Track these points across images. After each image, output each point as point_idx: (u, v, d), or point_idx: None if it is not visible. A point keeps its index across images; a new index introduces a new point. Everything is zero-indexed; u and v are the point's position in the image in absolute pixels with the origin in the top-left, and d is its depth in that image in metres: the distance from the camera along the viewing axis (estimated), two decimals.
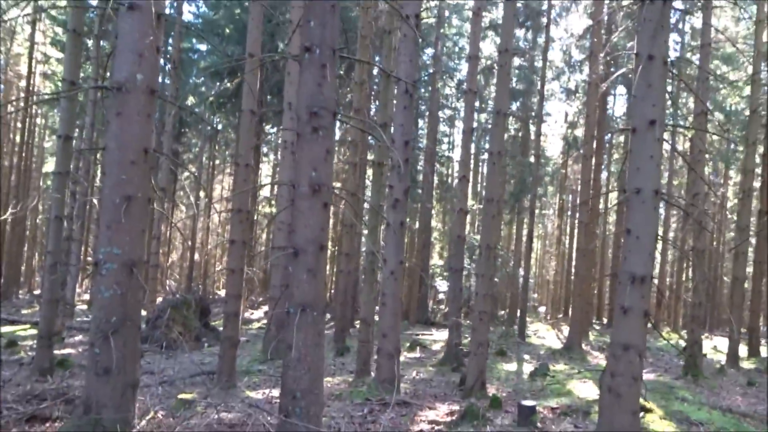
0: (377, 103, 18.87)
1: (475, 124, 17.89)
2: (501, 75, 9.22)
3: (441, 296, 28.68)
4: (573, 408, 8.44)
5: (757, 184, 17.26)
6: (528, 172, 20.93)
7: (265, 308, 24.44)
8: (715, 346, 19.41)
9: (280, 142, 16.87)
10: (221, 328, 10.01)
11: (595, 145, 17.59)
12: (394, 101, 9.87)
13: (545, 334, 22.42)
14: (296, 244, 4.74)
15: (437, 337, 19.26)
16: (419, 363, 13.31)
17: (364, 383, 9.93)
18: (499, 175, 9.87)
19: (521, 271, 20.85)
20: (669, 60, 6.13)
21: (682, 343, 17.18)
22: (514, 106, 23.94)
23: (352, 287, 17.35)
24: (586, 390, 9.85)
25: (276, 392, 8.79)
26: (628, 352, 5.86)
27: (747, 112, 17.37)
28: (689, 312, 13.98)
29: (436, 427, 7.46)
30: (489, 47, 24.87)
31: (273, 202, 26.69)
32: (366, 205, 16.35)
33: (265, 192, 31.37)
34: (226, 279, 8.95)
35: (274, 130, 25.48)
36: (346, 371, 11.72)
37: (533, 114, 22.96)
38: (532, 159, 21.70)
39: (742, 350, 16.16)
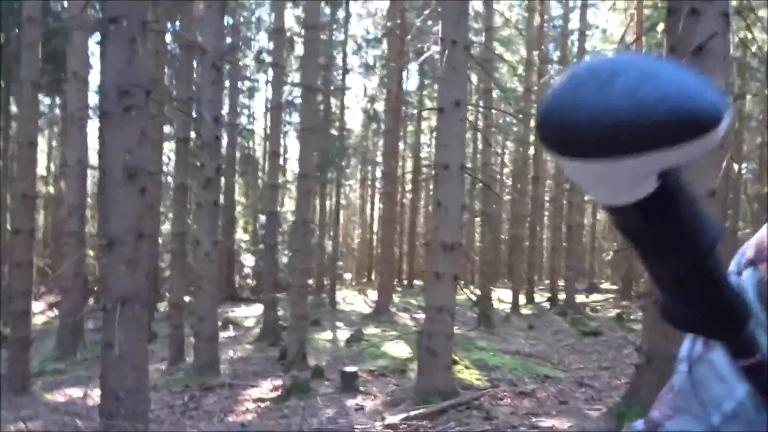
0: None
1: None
2: (309, 51, 9.25)
3: (247, 271, 28.32)
4: (390, 369, 9.03)
5: (531, 152, 19.74)
6: (333, 146, 21.38)
7: (50, 299, 21.94)
8: (499, 297, 21.98)
9: (60, 114, 15.02)
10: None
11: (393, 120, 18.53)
12: (195, 75, 9.40)
13: (353, 300, 23.38)
14: (112, 234, 4.36)
15: (248, 313, 19.03)
16: (235, 342, 13.09)
17: (180, 370, 9.54)
18: (312, 150, 9.99)
19: (329, 242, 21.39)
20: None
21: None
22: (318, 80, 24.15)
23: (153, 270, 16.35)
24: (400, 350, 10.58)
25: (77, 391, 8.06)
26: (441, 314, 6.43)
27: (521, 90, 19.64)
28: (480, 269, 15.61)
29: (262, 405, 7.49)
30: (289, 19, 24.62)
31: (51, 182, 23.83)
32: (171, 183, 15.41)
33: (39, 169, 27.84)
34: (10, 273, 7.88)
35: (50, 101, 22.60)
36: (157, 359, 11.10)
37: (333, 88, 23.41)
38: (335, 132, 22.18)
39: (522, 299, 18.55)
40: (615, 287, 24.04)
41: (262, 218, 24.51)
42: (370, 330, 13.57)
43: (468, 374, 8.31)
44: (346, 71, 20.69)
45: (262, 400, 7.68)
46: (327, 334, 13.58)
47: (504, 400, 7.02)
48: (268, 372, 9.45)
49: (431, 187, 30.45)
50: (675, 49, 4.46)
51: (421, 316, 17.53)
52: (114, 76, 4.34)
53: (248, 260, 27.98)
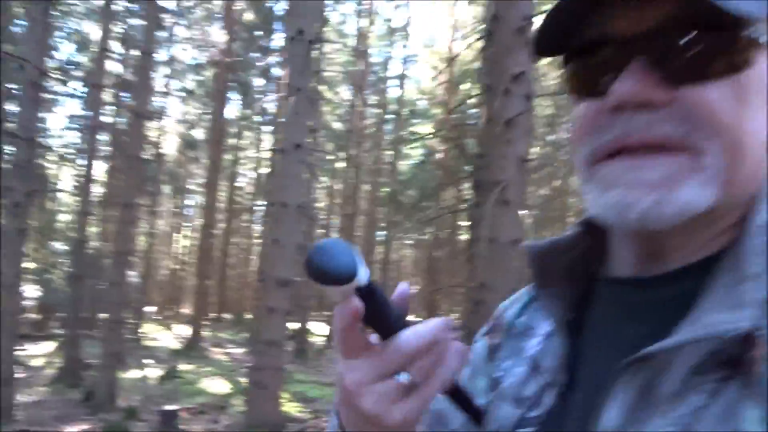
0: None
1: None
2: (142, 77, 9.00)
3: (26, 303, 25.28)
4: (209, 405, 8.87)
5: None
6: (146, 171, 20.35)
7: None
8: (312, 331, 22.36)
9: None
10: None
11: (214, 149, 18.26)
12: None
13: (159, 335, 22.10)
14: None
15: (33, 352, 17.07)
16: (24, 384, 11.71)
17: None
18: (137, 178, 9.60)
19: (131, 272, 20.06)
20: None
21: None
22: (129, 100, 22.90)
23: None
24: (218, 386, 10.40)
25: None
26: (271, 348, 6.62)
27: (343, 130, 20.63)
28: (297, 302, 15.91)
29: None
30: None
31: None
32: None
33: None
34: None
35: None
36: None
37: (148, 110, 22.40)
38: (149, 156, 21.16)
39: None
40: (419, 319, 25.77)
41: (57, 245, 22.26)
42: (183, 366, 13.04)
43: (290, 407, 8.50)
44: (166, 94, 19.96)
45: None
46: (135, 373, 12.76)
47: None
48: (72, 416, 8.70)
49: (245, 218, 30.07)
50: (491, 120, 5.31)
51: (235, 350, 17.26)
52: None
53: (29, 292, 25.05)
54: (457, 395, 0.60)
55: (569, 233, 0.64)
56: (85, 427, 8.01)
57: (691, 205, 0.49)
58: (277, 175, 6.79)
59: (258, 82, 23.97)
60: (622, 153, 0.51)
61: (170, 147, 27.06)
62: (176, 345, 18.63)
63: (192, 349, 16.41)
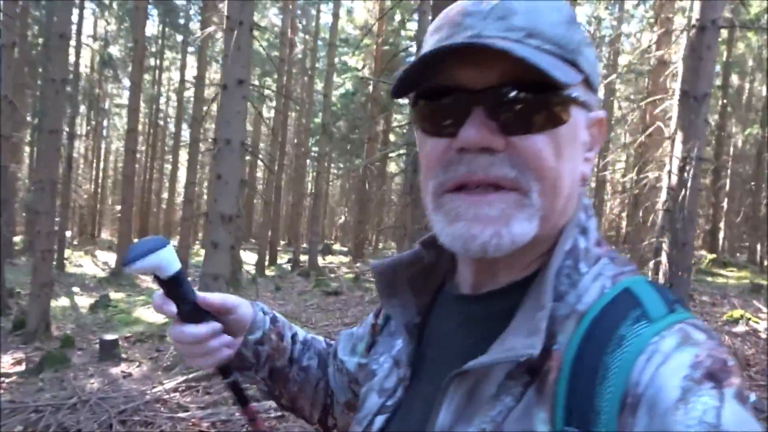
0: None
1: None
2: None
3: None
4: (147, 334, 9.01)
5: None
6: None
7: None
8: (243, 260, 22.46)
9: None
10: None
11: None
12: None
13: (81, 261, 21.58)
14: None
15: None
16: None
17: None
18: (62, 104, 9.19)
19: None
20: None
21: None
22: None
23: None
24: (152, 315, 10.49)
25: None
26: (218, 281, 6.81)
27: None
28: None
29: (8, 380, 6.96)
30: None
31: None
32: None
33: None
34: None
35: None
36: None
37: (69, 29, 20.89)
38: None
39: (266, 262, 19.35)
40: (346, 249, 26.40)
41: None
42: (114, 295, 12.97)
43: None
44: (81, 7, 18.62)
45: (6, 375, 7.11)
46: (64, 301, 12.59)
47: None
48: (4, 345, 8.61)
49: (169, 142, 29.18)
50: None
51: None
52: None
53: None
54: (229, 378, 0.84)
55: (412, 251, 0.74)
56: (18, 355, 8.00)
57: (521, 237, 0.57)
58: (220, 112, 6.76)
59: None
60: (464, 188, 0.58)
61: (86, 65, 25.43)
62: (100, 272, 18.32)
63: (119, 276, 16.22)
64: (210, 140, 12.36)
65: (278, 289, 14.82)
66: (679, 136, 7.00)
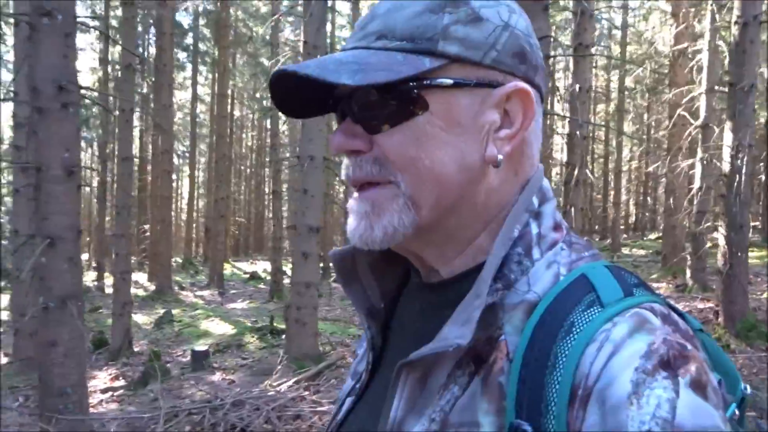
0: None
1: None
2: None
3: None
4: (224, 345, 9.46)
5: None
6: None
7: None
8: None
9: None
10: None
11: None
12: None
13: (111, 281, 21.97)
14: (51, 232, 4.32)
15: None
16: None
17: None
18: (130, 131, 9.67)
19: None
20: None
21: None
22: None
23: None
24: (220, 328, 10.94)
25: None
26: (309, 289, 7.30)
27: None
28: (272, 245, 16.41)
29: (116, 394, 7.43)
30: None
31: None
32: None
33: None
34: None
35: None
36: None
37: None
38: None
39: None
40: None
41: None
42: (174, 311, 13.41)
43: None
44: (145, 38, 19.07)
45: (112, 389, 7.59)
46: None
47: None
48: (93, 364, 9.07)
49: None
50: None
51: (203, 293, 17.65)
52: (49, 71, 4.24)
53: None
54: None
55: None
56: (112, 371, 8.47)
57: (395, 228, 0.58)
58: (305, 130, 7.26)
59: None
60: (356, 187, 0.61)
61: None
62: (141, 291, 18.78)
63: (164, 293, 16.66)
64: (292, 157, 12.79)
65: (320, 296, 15.26)
66: (728, 125, 7.49)
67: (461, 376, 0.56)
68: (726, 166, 7.47)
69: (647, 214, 29.33)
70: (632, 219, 32.26)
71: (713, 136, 11.01)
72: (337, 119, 0.62)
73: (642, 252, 20.49)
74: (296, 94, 0.61)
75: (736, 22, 7.31)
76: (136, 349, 9.62)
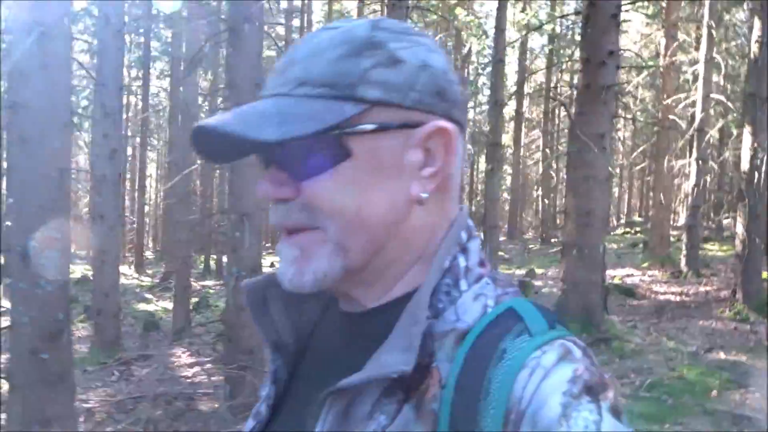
0: None
1: None
2: None
3: None
4: None
5: None
6: None
7: None
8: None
9: None
10: None
11: None
12: None
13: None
14: (244, 209, 4.95)
15: None
16: None
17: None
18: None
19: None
20: None
21: None
22: None
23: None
24: None
25: None
26: None
27: None
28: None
29: (204, 367, 7.97)
30: None
31: None
32: None
33: None
34: None
35: None
36: None
37: None
38: None
39: None
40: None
41: None
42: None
43: None
44: None
45: (198, 364, 8.12)
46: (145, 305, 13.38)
47: None
48: (163, 345, 9.47)
49: None
50: (589, 85, 6.96)
51: (208, 282, 17.94)
52: (248, 70, 4.87)
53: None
54: None
55: None
56: (183, 349, 8.97)
57: (325, 273, 0.59)
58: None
59: None
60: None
61: None
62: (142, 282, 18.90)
63: (168, 282, 16.85)
64: None
65: None
66: (747, 130, 8.67)
67: (388, 404, 0.56)
68: (745, 165, 8.65)
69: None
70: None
71: (705, 139, 12.33)
72: (260, 165, 0.62)
73: (615, 246, 22.01)
74: (217, 140, 0.58)
75: (757, 41, 8.47)
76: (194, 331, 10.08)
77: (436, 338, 0.57)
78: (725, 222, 22.64)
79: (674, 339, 7.19)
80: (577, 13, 8.63)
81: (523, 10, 13.51)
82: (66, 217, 4.22)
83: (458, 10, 16.96)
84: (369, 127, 0.57)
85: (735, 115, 14.71)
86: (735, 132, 15.44)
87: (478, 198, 25.48)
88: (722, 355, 6.44)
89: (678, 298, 10.29)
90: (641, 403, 4.92)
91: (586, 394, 0.50)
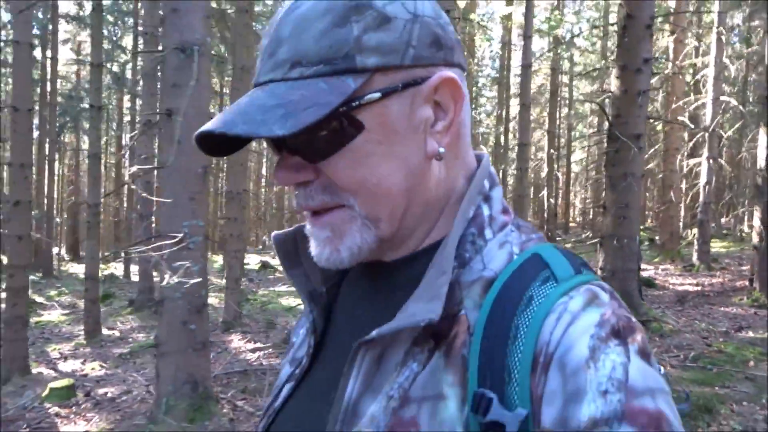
0: None
1: None
2: None
3: None
4: None
5: None
6: None
7: None
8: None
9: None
10: None
11: None
12: None
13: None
14: None
15: None
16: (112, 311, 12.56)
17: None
18: None
19: None
20: None
21: None
22: None
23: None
24: (294, 303, 12.07)
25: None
26: None
27: None
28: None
29: (264, 353, 8.58)
30: None
31: None
32: None
33: None
34: (10, 248, 7.14)
35: None
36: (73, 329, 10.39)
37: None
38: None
39: None
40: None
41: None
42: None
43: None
44: None
45: (258, 349, 8.73)
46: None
47: None
48: (219, 330, 10.04)
49: None
50: (627, 90, 7.65)
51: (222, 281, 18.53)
52: None
53: None
54: None
55: None
56: (239, 336, 9.58)
57: (360, 246, 0.60)
58: None
59: None
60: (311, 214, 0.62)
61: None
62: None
63: None
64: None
65: None
66: (763, 130, 9.39)
67: (420, 352, 0.57)
68: (761, 162, 9.38)
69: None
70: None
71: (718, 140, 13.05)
72: (271, 151, 0.62)
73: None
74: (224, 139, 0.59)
75: None
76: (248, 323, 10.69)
77: (464, 287, 0.59)
78: (723, 220, 23.65)
79: (703, 322, 7.89)
80: (611, 24, 9.32)
81: (549, 21, 14.13)
82: (205, 207, 4.86)
83: (472, 16, 17.62)
84: (375, 96, 0.57)
85: (747, 111, 15.46)
86: (740, 132, 16.22)
87: None
88: (750, 334, 7.14)
89: (696, 289, 11.00)
90: (689, 372, 5.61)
91: (614, 337, 0.51)
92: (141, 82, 13.78)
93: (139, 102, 16.84)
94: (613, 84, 7.94)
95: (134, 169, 6.50)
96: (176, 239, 4.46)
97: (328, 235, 0.60)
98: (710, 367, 5.70)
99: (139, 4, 15.06)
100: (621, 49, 7.82)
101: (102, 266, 24.00)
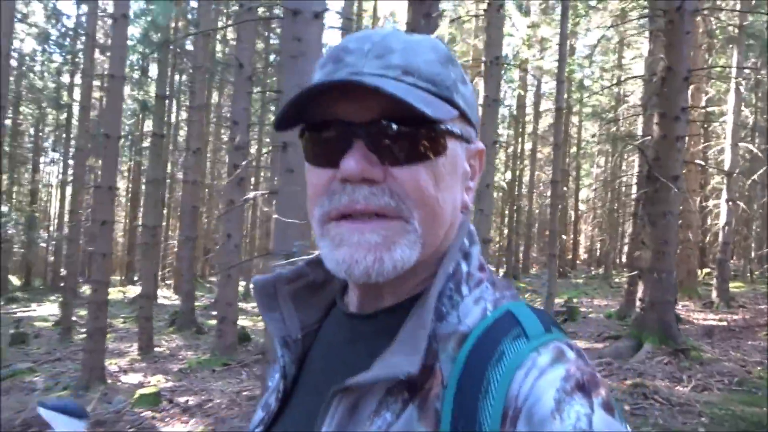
0: None
1: None
2: None
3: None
4: None
5: None
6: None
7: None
8: None
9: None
10: None
11: None
12: None
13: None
14: None
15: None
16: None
17: (200, 351, 9.86)
18: None
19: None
20: None
21: None
22: None
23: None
24: None
25: None
26: None
27: None
28: None
29: None
30: None
31: None
32: None
33: None
34: (95, 264, 7.68)
35: None
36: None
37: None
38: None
39: None
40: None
41: None
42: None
43: None
44: None
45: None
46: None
47: None
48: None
49: None
50: (665, 135, 8.29)
51: None
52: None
53: None
54: None
55: (294, 267, 0.76)
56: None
57: (403, 262, 0.60)
58: None
59: None
60: (349, 217, 0.61)
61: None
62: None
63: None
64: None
65: None
66: None
67: (394, 402, 0.58)
68: None
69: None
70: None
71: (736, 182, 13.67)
72: (335, 142, 0.61)
73: None
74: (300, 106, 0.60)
75: None
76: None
77: (440, 340, 0.61)
78: (731, 262, 24.28)
79: (737, 353, 8.37)
80: (652, 75, 10.10)
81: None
82: (311, 229, 5.41)
83: None
84: (458, 131, 0.63)
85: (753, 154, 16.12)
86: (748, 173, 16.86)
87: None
88: None
89: (720, 324, 11.47)
90: (737, 395, 6.08)
91: (579, 391, 0.53)
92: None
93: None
94: (654, 129, 8.58)
95: (251, 195, 7.04)
96: (288, 256, 5.00)
97: (377, 241, 0.60)
98: (755, 390, 6.17)
99: None
100: (661, 98, 8.48)
101: (122, 288, 24.44)
